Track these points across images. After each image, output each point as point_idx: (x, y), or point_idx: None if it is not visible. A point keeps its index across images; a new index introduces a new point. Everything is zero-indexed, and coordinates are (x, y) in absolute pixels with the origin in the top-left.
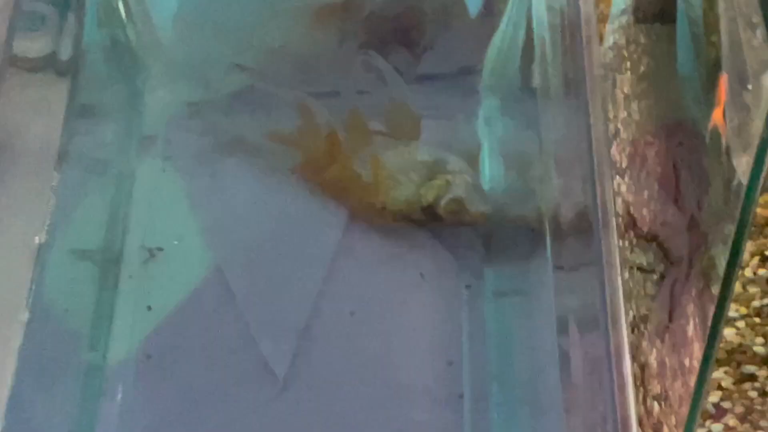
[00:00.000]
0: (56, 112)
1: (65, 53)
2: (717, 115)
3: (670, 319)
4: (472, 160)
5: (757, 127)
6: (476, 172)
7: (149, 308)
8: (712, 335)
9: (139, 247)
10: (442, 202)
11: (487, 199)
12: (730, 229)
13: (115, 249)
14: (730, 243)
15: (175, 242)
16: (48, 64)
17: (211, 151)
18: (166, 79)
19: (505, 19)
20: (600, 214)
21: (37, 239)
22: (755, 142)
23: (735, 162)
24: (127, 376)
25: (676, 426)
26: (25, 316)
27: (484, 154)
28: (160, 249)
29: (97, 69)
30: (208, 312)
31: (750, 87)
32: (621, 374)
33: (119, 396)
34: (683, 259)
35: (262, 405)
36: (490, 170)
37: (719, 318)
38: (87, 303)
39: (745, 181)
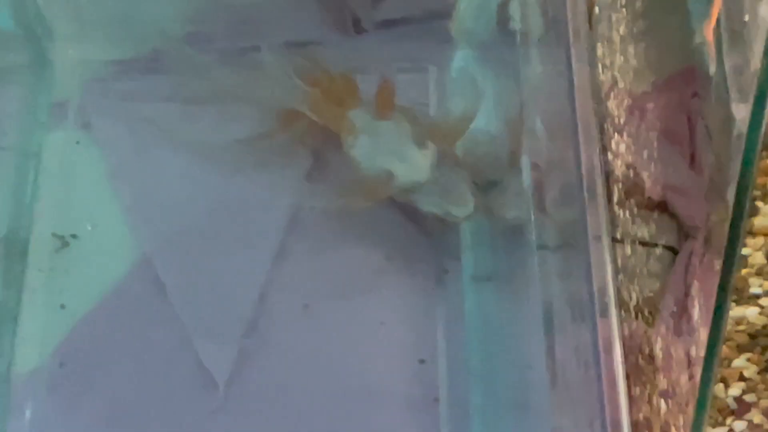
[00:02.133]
0: None
1: None
2: (707, 31)
3: (685, 299)
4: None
5: (755, 67)
6: (442, 172)
7: (62, 307)
8: (717, 314)
9: (50, 235)
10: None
11: (464, 198)
12: (732, 188)
13: (20, 237)
14: (733, 205)
15: (92, 228)
16: None
17: (136, 119)
18: (79, 37)
19: None
20: (585, 181)
21: None
22: (754, 83)
23: (734, 110)
24: (38, 388)
25: (683, 427)
26: None
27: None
28: (75, 236)
29: None
30: (133, 310)
31: (746, 17)
32: (610, 370)
33: (28, 413)
34: (699, 228)
35: (200, 419)
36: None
37: (724, 291)
38: None
39: (745, 129)
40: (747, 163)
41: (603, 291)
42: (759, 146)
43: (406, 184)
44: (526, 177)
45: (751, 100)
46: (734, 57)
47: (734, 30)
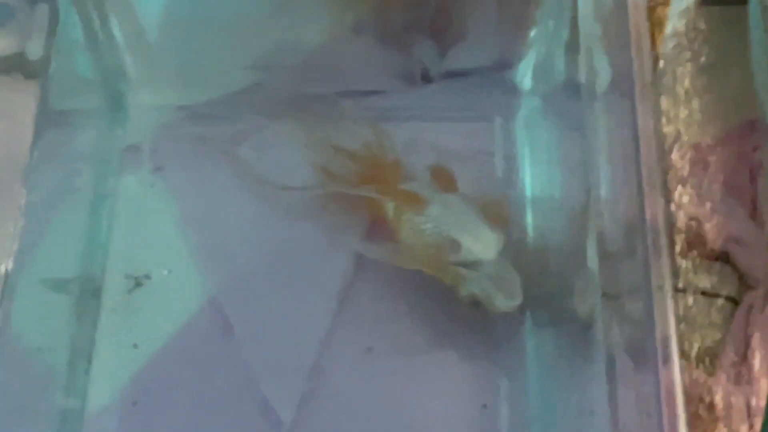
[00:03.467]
0: (24, 120)
1: (35, 52)
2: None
3: (745, 350)
4: (512, 166)
5: None
6: (501, 258)
7: (135, 346)
8: None
9: (123, 276)
10: (460, 292)
11: (515, 292)
12: None
13: (94, 278)
14: None
15: (165, 271)
16: (15, 64)
17: (206, 163)
18: (153, 81)
19: (545, 5)
20: (649, 230)
21: (2, 267)
22: None
23: None
24: (110, 425)
25: None
26: None
27: (524, 160)
28: (147, 277)
29: (74, 69)
30: (202, 349)
31: None
32: (672, 418)
33: None
34: (760, 280)
35: None
36: (532, 179)
37: None
38: (62, 340)
39: None
40: None
41: (666, 340)
42: None
43: (468, 260)
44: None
45: None
46: None
47: None
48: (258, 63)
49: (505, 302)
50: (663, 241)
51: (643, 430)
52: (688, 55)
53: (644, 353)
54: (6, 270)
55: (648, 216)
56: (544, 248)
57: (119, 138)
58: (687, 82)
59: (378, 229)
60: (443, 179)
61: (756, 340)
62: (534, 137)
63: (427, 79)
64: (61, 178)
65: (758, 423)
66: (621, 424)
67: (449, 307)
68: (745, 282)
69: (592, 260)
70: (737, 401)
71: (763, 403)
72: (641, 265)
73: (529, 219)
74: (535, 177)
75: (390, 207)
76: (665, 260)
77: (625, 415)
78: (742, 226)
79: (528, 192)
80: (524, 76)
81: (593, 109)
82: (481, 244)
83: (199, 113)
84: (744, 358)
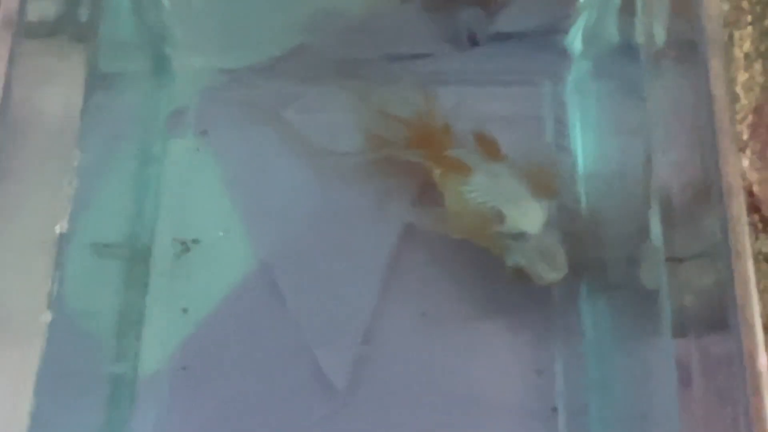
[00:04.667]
0: (75, 83)
1: (83, 15)
2: None
3: None
4: (562, 133)
5: None
6: (550, 229)
7: (184, 311)
8: None
9: (171, 240)
10: (505, 262)
11: (560, 264)
12: None
13: (142, 242)
14: None
15: (213, 235)
16: (63, 27)
17: (251, 127)
18: (198, 45)
19: None
20: (726, 193)
21: (57, 228)
22: None
23: None
24: (160, 391)
25: None
26: (46, 317)
27: (575, 125)
28: (196, 241)
29: (120, 33)
30: (253, 314)
31: None
32: (755, 380)
33: (151, 413)
34: None
35: (318, 422)
36: (584, 146)
37: None
38: (112, 306)
39: None
40: None
41: (745, 306)
42: None
43: (513, 231)
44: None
45: None
46: None
47: None
48: (303, 27)
49: (549, 274)
50: (741, 203)
51: (718, 396)
52: (749, 18)
53: (716, 317)
54: (60, 232)
55: (724, 180)
56: (598, 217)
57: (164, 101)
58: (748, 45)
59: (426, 195)
60: (487, 146)
61: None
62: (585, 102)
63: (474, 42)
64: (109, 142)
65: None
66: (691, 394)
67: (501, 275)
68: None
69: (655, 227)
70: None
71: None
72: (718, 230)
73: (581, 187)
74: (587, 143)
75: (437, 175)
76: (744, 224)
77: (694, 374)
78: None
79: (579, 159)
80: (575, 39)
81: (653, 71)
82: (526, 216)
83: (244, 77)
84: None
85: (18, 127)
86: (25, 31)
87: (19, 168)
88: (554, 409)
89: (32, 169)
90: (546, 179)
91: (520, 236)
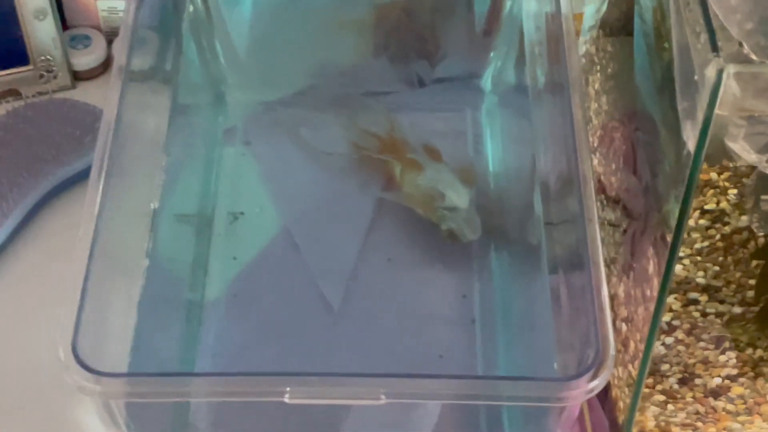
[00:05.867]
0: (162, 111)
1: (168, 66)
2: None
3: (632, 260)
4: (479, 143)
5: (701, 109)
6: (471, 205)
7: (234, 258)
8: (668, 270)
9: (226, 213)
10: (441, 227)
11: (476, 228)
12: (680, 189)
13: (207, 214)
14: (681, 199)
15: (254, 210)
16: (155, 74)
17: (279, 139)
18: (244, 84)
19: (501, 34)
20: (582, 180)
21: (152, 205)
22: (700, 119)
23: (685, 136)
24: (220, 310)
25: (639, 341)
26: (145, 263)
27: (486, 138)
28: (242, 213)
29: (192, 77)
30: (279, 261)
31: (696, 78)
32: (600, 300)
33: (214, 326)
34: (641, 215)
35: (321, 332)
36: (492, 151)
37: (673, 258)
38: (188, 255)
39: (692, 150)
40: (693, 171)
41: (595, 252)
42: (702, 160)
43: (449, 206)
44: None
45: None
46: (685, 101)
47: (687, 79)
48: (313, 72)
49: (471, 235)
50: (591, 187)
51: (577, 312)
52: (598, 68)
53: (575, 261)
54: (154, 207)
55: (581, 172)
56: (502, 198)
57: (221, 122)
58: (597, 85)
59: (389, 183)
60: (432, 152)
61: (637, 253)
62: (493, 123)
63: (422, 84)
64: (185, 149)
65: (651, 306)
66: (562, 306)
67: (439, 235)
68: (631, 217)
69: (537, 203)
70: (635, 293)
71: (655, 293)
72: (577, 204)
73: (491, 179)
74: (495, 150)
75: (398, 170)
76: (592, 200)
77: (563, 299)
78: (629, 180)
79: (490, 161)
80: (487, 81)
81: (536, 102)
82: (458, 197)
83: (274, 105)
84: (630, 265)
85: (127, 140)
86: (131, 76)
87: (128, 166)
88: (473, 321)
89: (136, 166)
90: (469, 173)
91: (453, 209)
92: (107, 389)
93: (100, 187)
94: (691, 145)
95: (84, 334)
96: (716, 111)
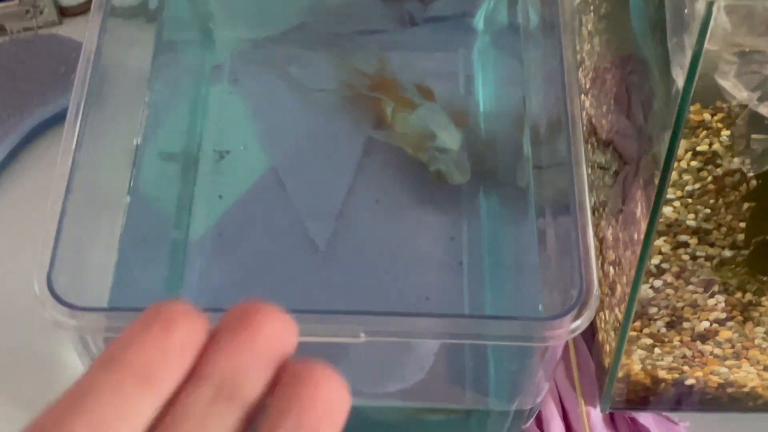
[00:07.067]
0: (147, 47)
1: (153, 3)
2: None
3: (623, 204)
4: (470, 84)
5: (690, 45)
6: (462, 147)
7: (220, 197)
8: (655, 212)
9: (212, 151)
10: (430, 168)
11: (466, 171)
12: (669, 131)
13: (193, 152)
14: (668, 139)
15: (240, 148)
16: (140, 11)
17: (267, 77)
18: (232, 21)
19: None
20: (570, 124)
21: (135, 141)
22: (689, 55)
23: (674, 74)
24: (204, 249)
25: (626, 284)
26: (127, 200)
27: (478, 79)
28: (228, 152)
29: (178, 14)
30: (265, 200)
31: (686, 12)
32: (586, 243)
33: (198, 264)
34: (633, 158)
35: (307, 271)
36: (484, 93)
37: (660, 199)
38: (172, 193)
39: (681, 87)
40: (681, 108)
41: (581, 194)
42: (689, 99)
43: (440, 147)
44: (526, 141)
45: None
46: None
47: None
48: (304, 9)
49: (459, 177)
50: (579, 130)
51: (563, 253)
52: (591, 8)
53: (564, 205)
54: (137, 144)
55: (570, 114)
56: (492, 141)
57: (208, 60)
58: (590, 26)
59: (381, 122)
60: (424, 92)
61: (629, 196)
62: (485, 64)
63: (414, 23)
64: (170, 87)
65: (638, 249)
66: (548, 249)
67: (428, 176)
68: (623, 160)
69: (527, 146)
70: (623, 236)
71: (642, 237)
72: (566, 147)
73: (482, 120)
74: (486, 91)
75: (390, 108)
76: (580, 143)
77: (551, 242)
78: (622, 123)
79: (481, 102)
80: (479, 21)
81: (528, 43)
82: (449, 137)
83: (263, 43)
84: (621, 208)
85: (109, 75)
86: (114, 12)
87: (110, 101)
88: (461, 263)
89: (118, 101)
90: (460, 114)
91: (444, 150)
92: (83, 324)
93: (78, 121)
94: (680, 82)
95: (61, 269)
96: (706, 46)
